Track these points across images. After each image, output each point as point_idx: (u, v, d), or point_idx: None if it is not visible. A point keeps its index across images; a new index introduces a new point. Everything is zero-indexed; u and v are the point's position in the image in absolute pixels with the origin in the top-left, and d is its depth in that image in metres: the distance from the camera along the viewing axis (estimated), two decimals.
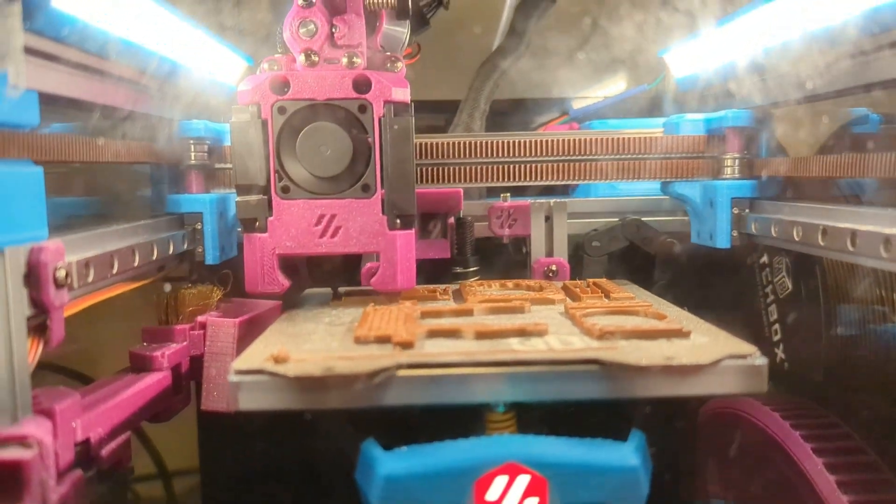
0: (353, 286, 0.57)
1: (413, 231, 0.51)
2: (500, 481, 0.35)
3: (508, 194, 0.63)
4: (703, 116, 0.61)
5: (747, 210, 0.58)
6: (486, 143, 0.59)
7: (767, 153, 0.59)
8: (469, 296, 0.52)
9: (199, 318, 0.52)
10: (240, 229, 0.53)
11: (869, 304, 0.53)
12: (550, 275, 0.62)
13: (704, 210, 0.61)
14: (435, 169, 0.60)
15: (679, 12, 0.65)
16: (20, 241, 0.34)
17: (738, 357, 0.38)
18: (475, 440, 0.37)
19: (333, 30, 0.49)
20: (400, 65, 0.51)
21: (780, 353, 0.60)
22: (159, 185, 0.59)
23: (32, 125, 0.36)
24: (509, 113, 0.84)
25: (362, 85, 0.49)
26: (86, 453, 0.39)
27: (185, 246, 0.57)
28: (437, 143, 0.59)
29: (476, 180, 0.59)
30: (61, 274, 0.36)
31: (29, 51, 0.35)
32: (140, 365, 0.49)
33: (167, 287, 0.54)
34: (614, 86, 0.84)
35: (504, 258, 0.67)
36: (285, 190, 0.50)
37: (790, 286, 0.60)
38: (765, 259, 0.62)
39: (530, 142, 0.59)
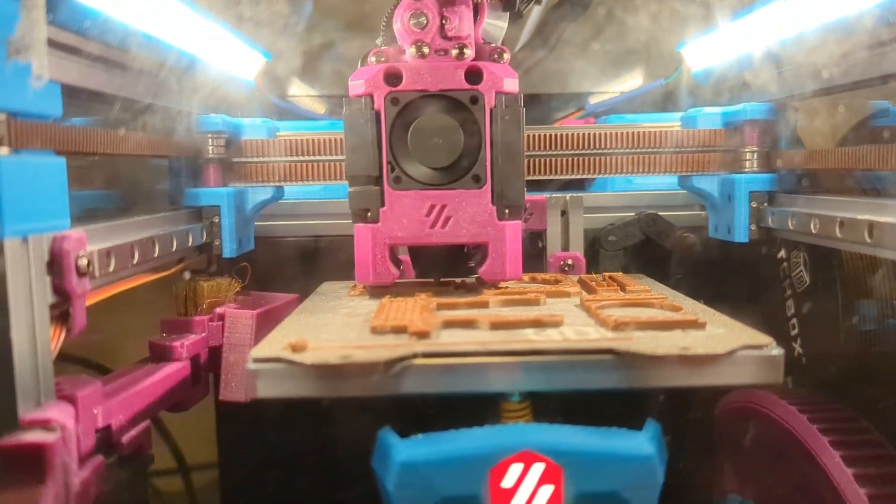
0: (456, 277, 0.56)
1: (520, 222, 0.51)
2: (516, 469, 0.35)
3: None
4: (721, 110, 0.61)
5: (766, 203, 0.58)
6: None
7: (786, 146, 0.59)
8: (485, 288, 0.52)
9: (218, 310, 0.53)
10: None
11: (888, 298, 0.52)
12: (566, 269, 0.62)
13: (722, 204, 0.61)
14: None
15: (695, 4, 0.64)
16: (43, 229, 0.35)
17: (754, 347, 0.37)
18: (491, 428, 0.37)
19: (444, 21, 0.50)
20: (506, 56, 0.51)
21: (797, 348, 0.60)
22: (177, 178, 0.60)
23: (55, 116, 0.36)
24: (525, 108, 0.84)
25: (474, 76, 0.49)
26: (107, 439, 0.40)
27: (203, 239, 0.57)
28: None
29: None
30: (83, 262, 0.37)
31: (51, 43, 0.36)
32: (160, 355, 0.49)
33: (187, 275, 0.54)
34: (631, 81, 0.84)
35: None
36: (397, 180, 0.50)
37: (808, 280, 0.60)
38: (782, 253, 0.62)
39: (551, 136, 0.59)
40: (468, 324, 0.43)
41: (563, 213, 0.64)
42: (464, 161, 0.50)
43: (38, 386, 0.34)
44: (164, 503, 0.76)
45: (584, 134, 0.59)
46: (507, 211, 0.50)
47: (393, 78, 0.49)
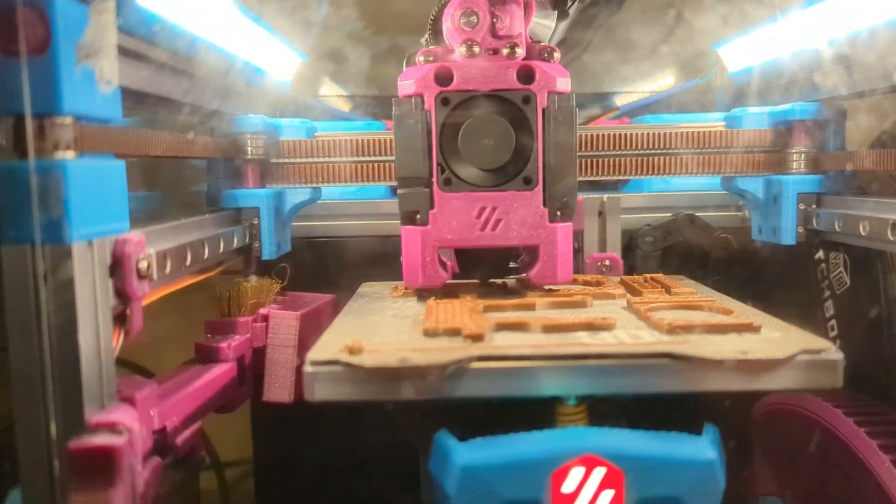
0: (500, 278, 0.56)
1: (571, 224, 0.51)
2: (577, 473, 0.35)
3: None
4: (768, 110, 0.60)
5: (814, 206, 0.57)
6: None
7: (835, 147, 0.58)
8: (528, 290, 0.52)
9: (262, 311, 0.53)
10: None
11: None
12: (604, 269, 0.62)
13: (768, 206, 0.60)
14: None
15: (733, 4, 0.64)
16: (106, 232, 0.35)
17: (813, 352, 0.37)
18: (552, 432, 0.37)
19: (495, 20, 0.49)
20: (557, 55, 0.50)
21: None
22: (216, 179, 0.60)
23: (116, 120, 0.36)
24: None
25: (527, 75, 0.48)
26: (162, 441, 0.40)
27: (246, 241, 0.57)
28: None
29: None
30: (143, 265, 0.37)
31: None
32: (206, 356, 0.50)
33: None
34: (663, 80, 0.83)
35: None
36: (447, 182, 0.49)
37: (848, 281, 0.59)
38: (820, 254, 0.62)
39: (588, 136, 0.59)
40: (520, 326, 0.43)
41: (601, 213, 0.63)
42: (515, 162, 0.49)
43: (101, 388, 0.34)
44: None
45: (625, 134, 0.59)
46: (559, 213, 0.50)
47: (444, 78, 0.49)
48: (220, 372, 0.48)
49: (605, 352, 0.37)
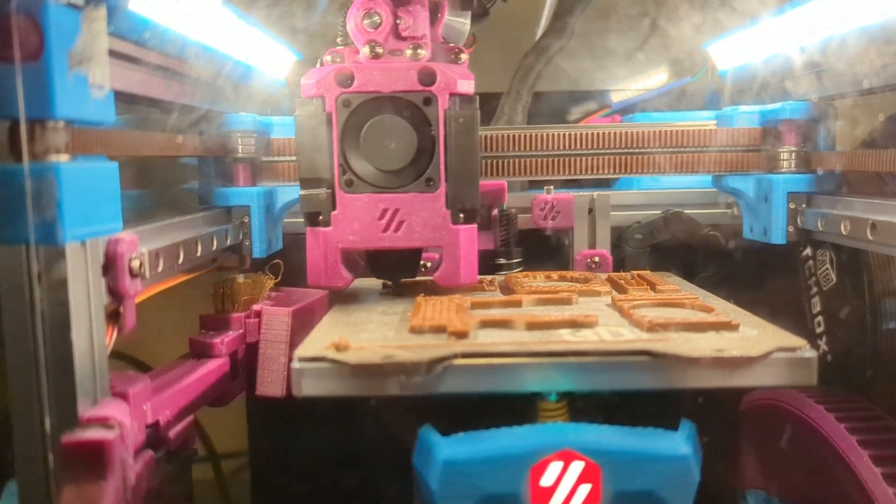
0: (410, 278, 0.56)
1: (475, 225, 0.51)
2: (555, 467, 0.36)
3: (552, 187, 0.64)
4: (759, 108, 0.59)
5: (804, 205, 0.57)
6: (534, 135, 0.59)
7: (825, 146, 0.58)
8: (516, 287, 0.53)
9: (255, 307, 0.54)
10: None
11: None
12: (593, 266, 0.63)
13: (758, 204, 0.60)
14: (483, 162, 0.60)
15: (724, 4, 0.65)
16: (99, 233, 0.36)
17: (788, 350, 0.38)
18: (532, 427, 0.38)
19: (398, 21, 0.49)
20: (464, 56, 0.50)
21: (823, 346, 0.60)
22: (206, 177, 0.60)
23: (109, 123, 0.37)
24: (547, 105, 0.84)
25: (428, 77, 0.49)
26: (155, 435, 0.41)
27: (238, 238, 0.58)
28: (484, 137, 0.60)
29: (523, 174, 0.59)
30: (136, 264, 0.38)
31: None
32: (200, 351, 0.50)
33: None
34: (656, 77, 0.84)
35: (542, 249, 0.67)
36: (349, 184, 0.50)
37: (834, 278, 0.60)
38: (808, 251, 0.62)
39: (580, 135, 0.59)
40: (504, 324, 0.44)
41: (591, 211, 0.64)
42: (417, 164, 0.49)
43: (94, 384, 0.36)
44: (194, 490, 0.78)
45: (617, 133, 0.59)
46: (461, 215, 0.49)
47: (345, 79, 0.48)
48: (213, 367, 0.49)
49: (585, 349, 0.38)
